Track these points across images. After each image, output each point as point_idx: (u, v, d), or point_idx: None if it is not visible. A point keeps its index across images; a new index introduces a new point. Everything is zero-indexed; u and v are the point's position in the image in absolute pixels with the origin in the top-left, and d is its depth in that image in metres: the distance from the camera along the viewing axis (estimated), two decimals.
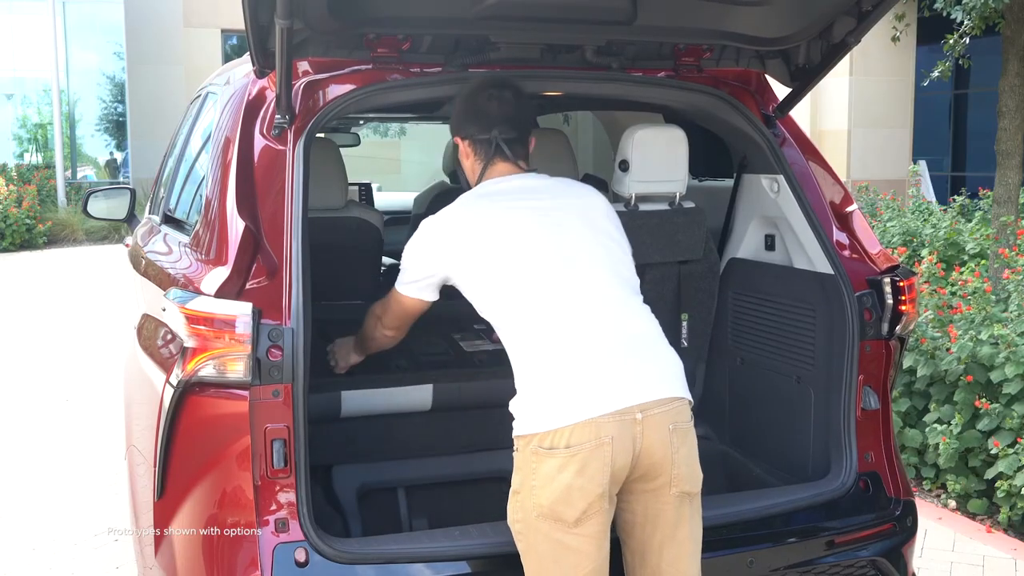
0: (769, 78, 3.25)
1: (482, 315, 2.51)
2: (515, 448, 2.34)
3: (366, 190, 5.96)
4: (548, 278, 2.40)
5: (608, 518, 2.31)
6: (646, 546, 2.39)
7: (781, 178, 3.10)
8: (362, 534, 3.16)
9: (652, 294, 3.29)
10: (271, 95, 2.77)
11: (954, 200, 10.39)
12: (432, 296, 2.63)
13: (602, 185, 4.22)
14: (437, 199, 4.36)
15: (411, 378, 3.32)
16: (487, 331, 3.59)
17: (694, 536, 2.42)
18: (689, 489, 2.38)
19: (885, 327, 2.93)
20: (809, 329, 3.06)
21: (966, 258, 7.75)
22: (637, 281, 2.57)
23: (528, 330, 2.37)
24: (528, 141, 2.64)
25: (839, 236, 3.04)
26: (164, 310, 2.62)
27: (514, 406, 2.36)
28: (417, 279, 2.60)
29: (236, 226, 2.54)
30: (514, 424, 2.35)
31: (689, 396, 2.43)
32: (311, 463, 2.50)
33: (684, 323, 3.39)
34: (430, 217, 2.57)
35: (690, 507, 2.40)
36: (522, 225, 2.46)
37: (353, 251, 3.53)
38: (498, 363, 3.44)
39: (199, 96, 3.94)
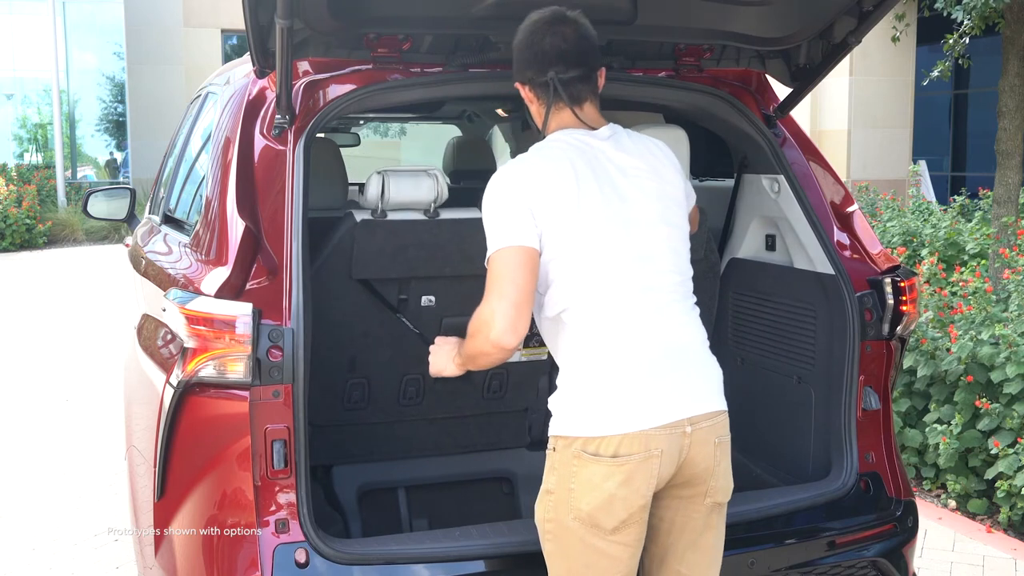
0: (770, 78, 3.25)
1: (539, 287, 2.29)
2: (551, 447, 2.25)
3: None
4: (615, 271, 2.25)
5: (645, 526, 2.27)
6: (668, 551, 2.36)
7: (782, 178, 3.10)
8: (362, 534, 3.16)
9: None
10: (271, 95, 2.77)
11: (954, 200, 10.39)
12: (539, 245, 2.23)
13: None
14: None
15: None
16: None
17: (717, 544, 2.39)
18: (721, 500, 2.36)
19: (886, 327, 2.92)
20: (810, 329, 3.05)
21: (966, 258, 7.75)
22: (691, 279, 2.43)
23: (586, 325, 2.24)
24: (595, 77, 2.38)
25: (840, 236, 3.04)
26: (164, 310, 2.62)
27: (556, 403, 2.27)
28: (517, 221, 2.22)
29: (236, 226, 2.54)
30: (552, 421, 2.26)
31: (726, 406, 2.37)
32: (311, 463, 2.49)
33: None
34: (507, 164, 2.35)
35: (718, 516, 2.37)
36: (598, 206, 2.27)
37: None
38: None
39: (199, 96, 3.93)
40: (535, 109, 2.42)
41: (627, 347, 2.23)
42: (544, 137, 2.41)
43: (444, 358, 2.47)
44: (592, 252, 2.25)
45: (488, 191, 2.31)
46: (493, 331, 2.17)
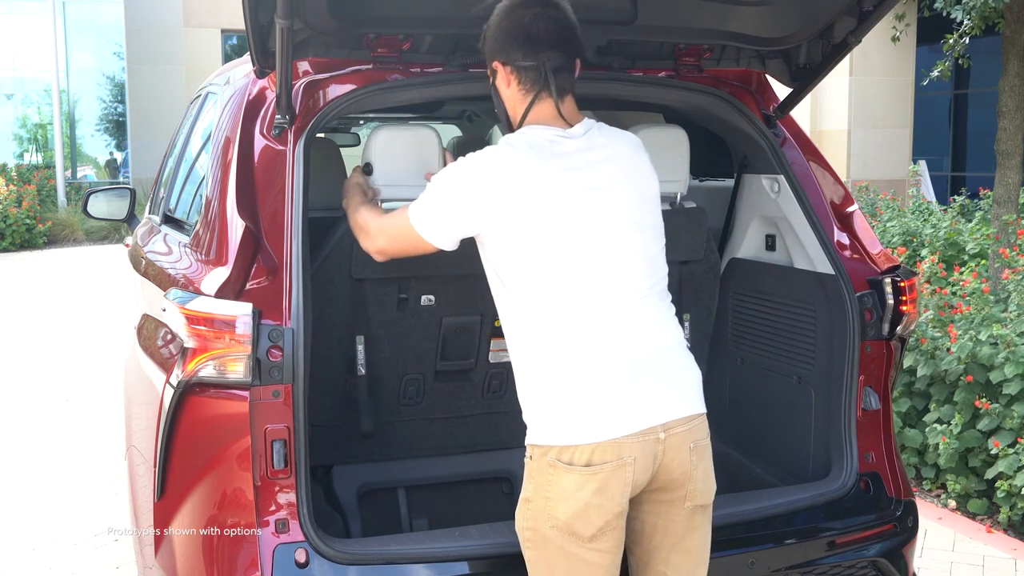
0: (770, 78, 3.25)
1: (498, 294, 2.31)
2: (528, 456, 2.25)
3: None
4: (585, 277, 2.23)
5: (623, 532, 2.26)
6: (652, 554, 2.35)
7: (782, 178, 3.10)
8: (362, 534, 3.16)
9: None
10: (271, 95, 2.77)
11: (954, 200, 10.39)
12: (451, 247, 2.34)
13: None
14: None
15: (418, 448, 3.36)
16: None
17: (702, 545, 2.38)
18: (703, 502, 2.34)
19: (886, 327, 2.92)
20: (810, 329, 3.05)
21: (966, 258, 7.75)
22: (666, 277, 2.40)
23: (555, 333, 2.21)
24: (575, 67, 2.33)
25: (840, 236, 3.04)
26: (164, 310, 2.62)
27: (530, 414, 2.26)
28: (444, 222, 2.28)
29: (236, 226, 2.54)
30: (528, 430, 2.26)
31: (705, 408, 2.36)
32: (311, 463, 2.49)
33: (686, 323, 3.38)
34: (476, 154, 2.27)
35: (702, 517, 2.36)
36: (569, 206, 2.22)
37: None
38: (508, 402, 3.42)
39: (199, 96, 3.94)
40: (512, 94, 2.33)
41: (597, 355, 2.21)
42: (512, 129, 2.35)
43: (349, 202, 2.69)
44: (560, 259, 2.21)
45: (448, 171, 2.29)
46: (369, 246, 2.52)
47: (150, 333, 3.01)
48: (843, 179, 5.61)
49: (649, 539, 2.34)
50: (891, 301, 2.91)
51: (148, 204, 4.66)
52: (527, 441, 2.26)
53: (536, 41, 2.26)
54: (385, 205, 2.95)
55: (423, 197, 2.33)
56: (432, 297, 3.10)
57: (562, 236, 2.22)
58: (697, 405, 2.32)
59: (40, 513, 4.96)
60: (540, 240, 2.22)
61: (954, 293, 5.74)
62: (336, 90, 2.74)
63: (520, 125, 2.34)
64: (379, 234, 2.47)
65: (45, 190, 20.01)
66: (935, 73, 8.96)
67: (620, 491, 2.19)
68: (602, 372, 2.20)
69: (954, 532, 4.62)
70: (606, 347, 2.22)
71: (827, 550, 2.80)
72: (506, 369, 3.34)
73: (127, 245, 4.73)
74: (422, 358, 3.18)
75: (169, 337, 2.64)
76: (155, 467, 2.57)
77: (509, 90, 2.34)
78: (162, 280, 3.02)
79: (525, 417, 2.28)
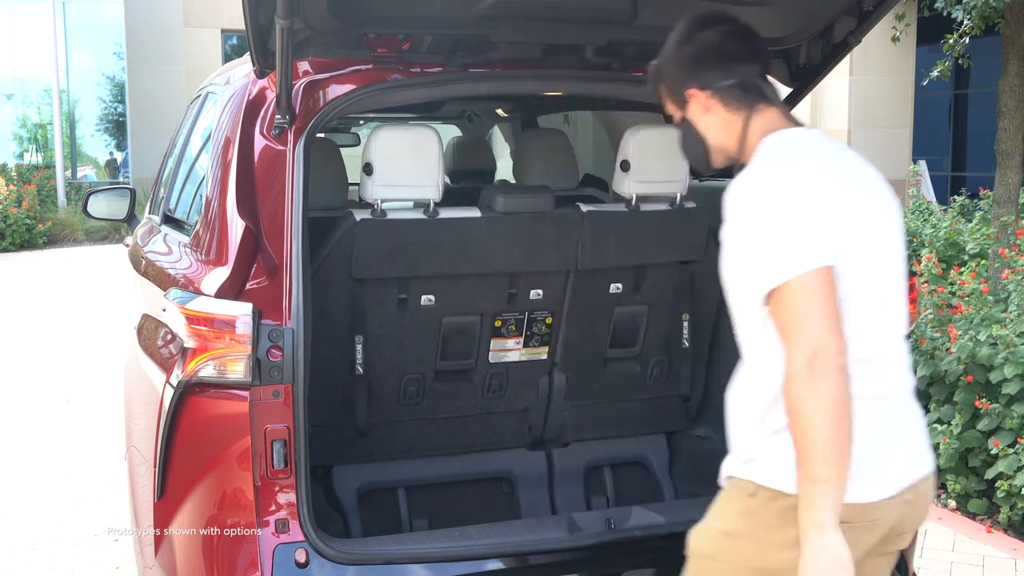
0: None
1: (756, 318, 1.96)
2: (748, 492, 1.97)
3: None
4: (860, 316, 1.94)
5: None
6: None
7: None
8: (362, 534, 3.16)
9: (653, 295, 3.29)
10: (271, 95, 2.77)
11: (954, 200, 10.39)
12: (833, 259, 1.88)
13: (602, 185, 4.22)
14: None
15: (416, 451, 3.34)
16: (522, 320, 3.27)
17: None
18: (903, 546, 2.17)
19: None
20: None
21: (966, 258, 7.74)
22: None
23: None
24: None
25: None
26: (164, 310, 2.62)
27: (767, 452, 1.95)
28: (814, 234, 1.87)
29: (236, 226, 2.54)
30: (757, 467, 1.96)
31: None
32: (311, 463, 2.49)
33: (685, 323, 3.38)
34: (757, 173, 1.96)
35: (896, 557, 2.19)
36: (858, 231, 1.95)
37: None
38: (507, 399, 3.39)
39: (199, 96, 3.94)
40: (716, 120, 2.10)
41: (863, 403, 1.90)
42: (730, 158, 2.11)
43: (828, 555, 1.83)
44: (844, 288, 1.91)
45: (752, 205, 1.92)
46: (827, 354, 1.81)
47: (150, 333, 3.01)
48: None
49: None
50: None
51: (148, 204, 4.66)
52: (750, 476, 1.98)
53: (732, 57, 2.08)
54: (385, 205, 2.96)
55: (770, 249, 1.88)
56: (432, 297, 3.10)
57: (852, 260, 1.94)
58: (932, 458, 2.11)
59: (40, 513, 4.96)
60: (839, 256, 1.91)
61: (953, 294, 5.74)
62: (336, 90, 2.74)
63: (743, 147, 2.08)
64: (822, 346, 1.82)
65: (45, 190, 20.01)
66: (935, 73, 8.96)
67: (852, 550, 1.87)
68: (866, 425, 1.91)
69: (954, 532, 4.62)
70: (871, 397, 1.95)
71: None
72: (506, 369, 3.33)
73: (127, 245, 4.73)
74: (422, 358, 3.18)
75: (169, 337, 2.65)
76: (155, 467, 2.57)
77: (711, 116, 2.11)
78: (162, 280, 3.02)
79: (752, 451, 1.99)
